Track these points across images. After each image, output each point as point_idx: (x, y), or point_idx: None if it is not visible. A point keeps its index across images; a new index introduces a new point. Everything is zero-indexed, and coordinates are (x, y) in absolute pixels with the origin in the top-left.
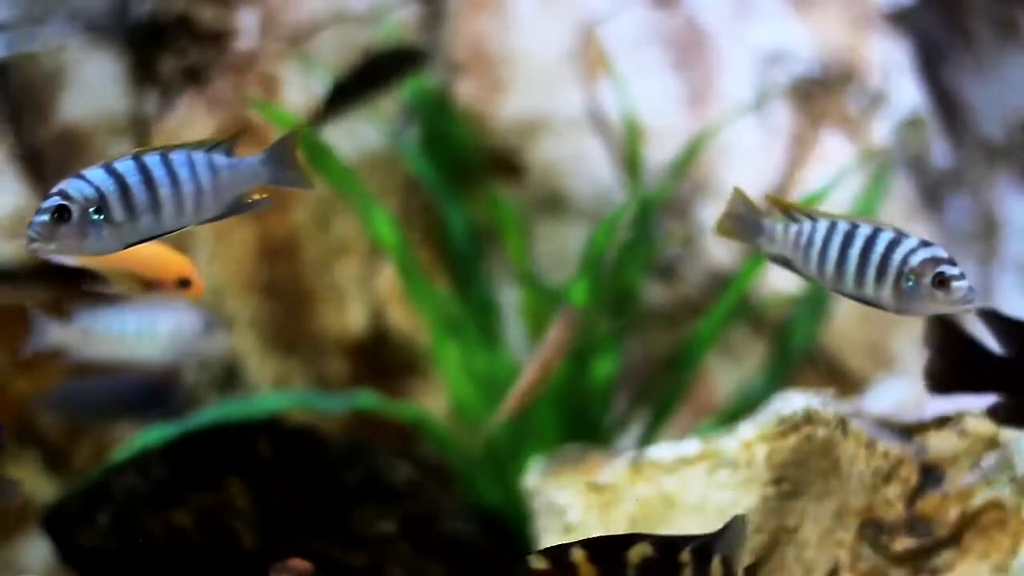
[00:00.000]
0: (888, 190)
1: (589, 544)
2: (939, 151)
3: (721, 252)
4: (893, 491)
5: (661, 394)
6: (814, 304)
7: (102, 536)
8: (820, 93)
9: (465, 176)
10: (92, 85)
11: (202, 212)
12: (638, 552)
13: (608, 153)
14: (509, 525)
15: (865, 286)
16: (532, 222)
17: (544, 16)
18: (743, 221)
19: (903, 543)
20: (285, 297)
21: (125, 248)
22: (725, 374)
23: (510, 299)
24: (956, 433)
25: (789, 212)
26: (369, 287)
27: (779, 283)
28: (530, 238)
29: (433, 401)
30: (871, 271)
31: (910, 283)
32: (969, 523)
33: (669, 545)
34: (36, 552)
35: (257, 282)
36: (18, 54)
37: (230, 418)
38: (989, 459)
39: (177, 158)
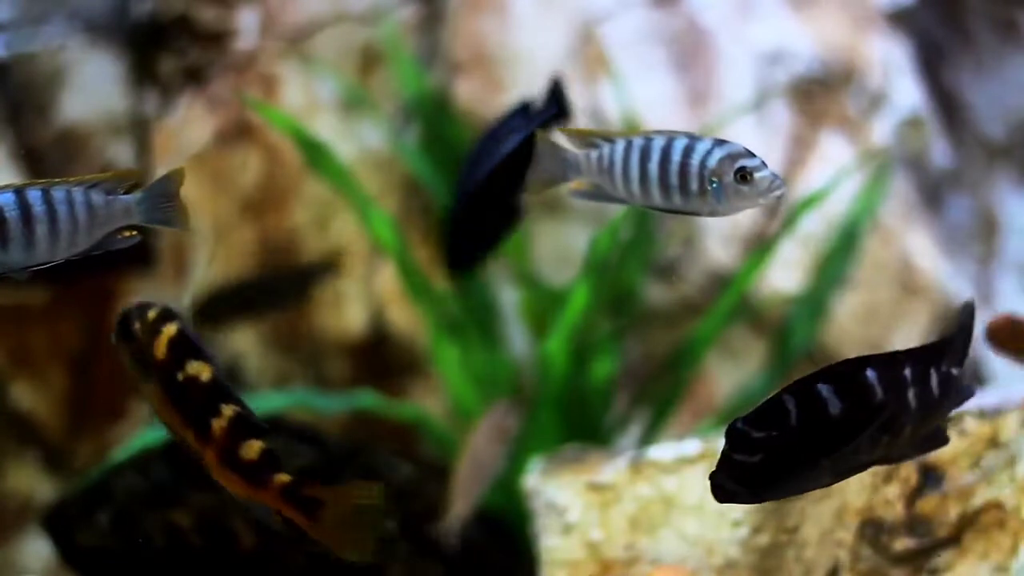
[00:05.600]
0: (888, 190)
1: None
2: (939, 151)
3: (721, 252)
4: (893, 491)
5: (661, 394)
6: (814, 304)
7: (102, 536)
8: (820, 93)
9: None
10: (92, 85)
11: (74, 248)
12: (168, 333)
13: None
14: (509, 525)
15: (672, 197)
16: (532, 222)
17: (544, 16)
18: (554, 162)
19: (903, 543)
20: None
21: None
22: (725, 374)
23: (510, 299)
24: (956, 433)
25: (588, 139)
26: (369, 287)
27: (779, 283)
28: (530, 238)
29: (433, 401)
30: (674, 181)
31: (714, 185)
32: (969, 523)
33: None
34: (36, 552)
35: None
36: (18, 54)
37: None
38: (989, 459)
39: (57, 195)
